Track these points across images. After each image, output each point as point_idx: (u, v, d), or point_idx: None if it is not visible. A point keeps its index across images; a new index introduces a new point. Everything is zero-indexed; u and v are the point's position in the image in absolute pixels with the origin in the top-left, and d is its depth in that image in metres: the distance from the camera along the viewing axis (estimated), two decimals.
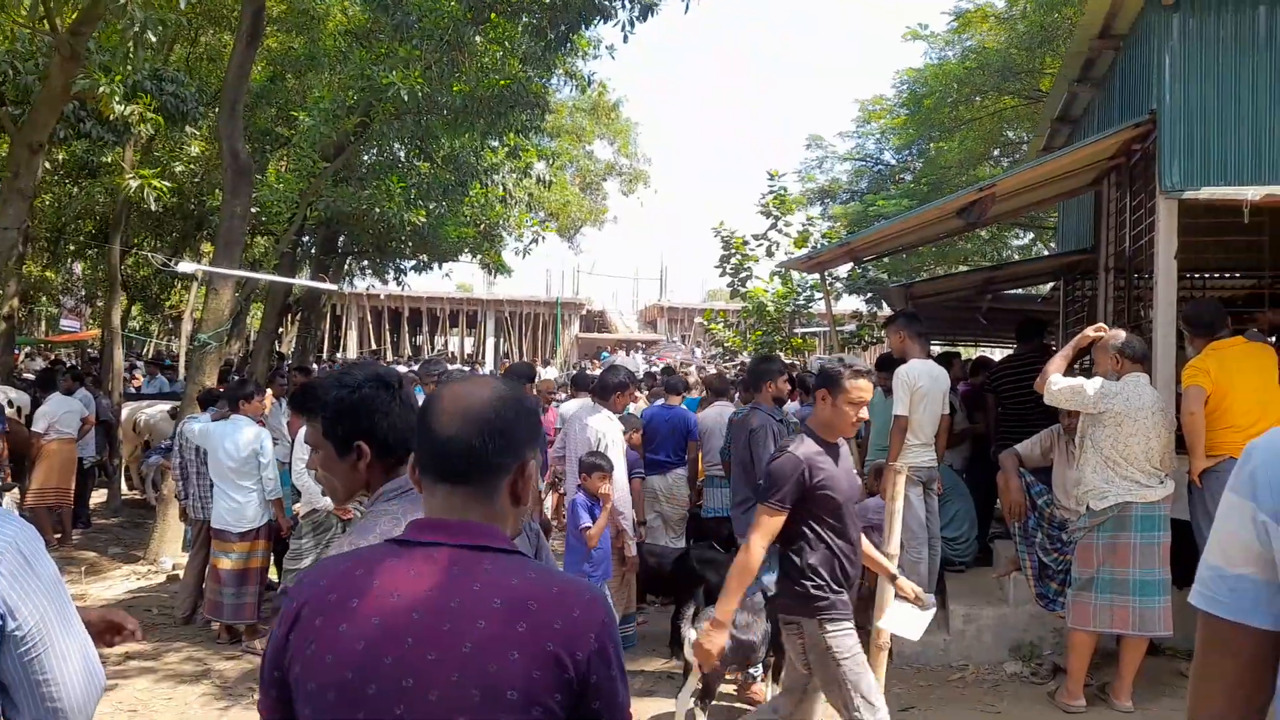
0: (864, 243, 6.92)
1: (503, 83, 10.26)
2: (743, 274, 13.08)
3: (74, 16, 7.34)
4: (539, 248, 29.71)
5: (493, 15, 10.28)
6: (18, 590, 1.36)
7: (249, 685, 5.09)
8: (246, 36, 9.33)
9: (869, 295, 14.84)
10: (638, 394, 9.02)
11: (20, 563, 1.38)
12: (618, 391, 5.56)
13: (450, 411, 1.27)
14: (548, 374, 19.36)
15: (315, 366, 15.15)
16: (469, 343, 38.48)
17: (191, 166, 13.67)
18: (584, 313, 38.16)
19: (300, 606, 1.23)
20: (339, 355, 29.29)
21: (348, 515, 5.70)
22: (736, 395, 7.54)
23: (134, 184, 8.22)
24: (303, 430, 5.98)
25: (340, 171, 11.56)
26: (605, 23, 10.90)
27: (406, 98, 9.43)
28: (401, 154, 12.99)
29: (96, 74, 7.55)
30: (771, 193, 12.45)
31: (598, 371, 9.60)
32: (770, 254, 12.71)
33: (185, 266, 8.76)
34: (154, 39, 7.77)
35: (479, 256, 17.43)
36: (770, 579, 4.72)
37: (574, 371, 15.96)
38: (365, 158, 12.95)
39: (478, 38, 10.28)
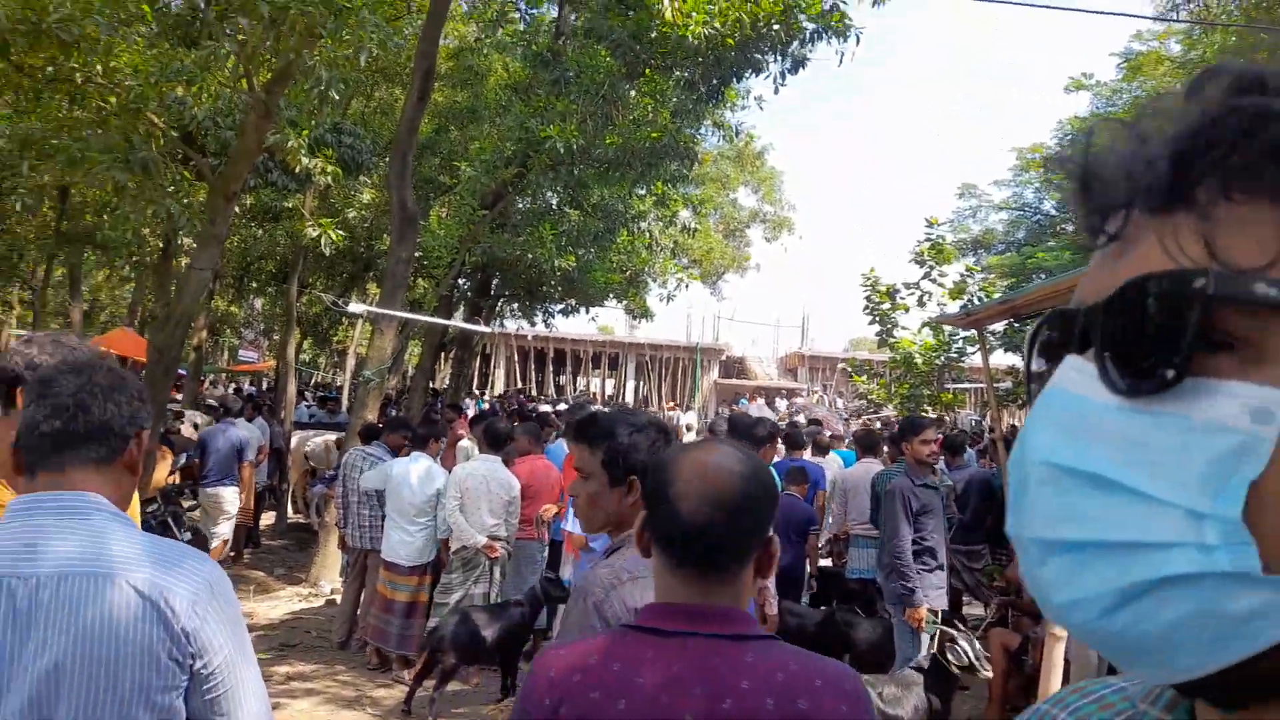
0: (1027, 301, 6.59)
1: (654, 135, 10.51)
2: (888, 324, 12.71)
3: (268, 77, 8.03)
4: (681, 293, 29.90)
5: (647, 70, 10.58)
6: (209, 631, 1.40)
7: (402, 711, 5.28)
8: (417, 94, 9.97)
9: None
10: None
11: (214, 604, 1.42)
12: (766, 444, 5.49)
13: (699, 496, 1.20)
14: (687, 419, 19.39)
15: (468, 403, 15.77)
16: (609, 384, 39.12)
17: (363, 213, 14.66)
18: (723, 358, 38.11)
19: (558, 704, 1.18)
20: (487, 393, 30.41)
21: (495, 554, 5.85)
22: (884, 451, 7.30)
23: (313, 232, 8.88)
24: (457, 469, 6.21)
25: (497, 218, 12.09)
26: (757, 76, 11.05)
27: (562, 150, 9.79)
28: (554, 202, 13.47)
29: (286, 129, 8.21)
30: (928, 240, 12.08)
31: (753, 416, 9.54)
32: (922, 304, 12.30)
33: (355, 308, 9.38)
34: (336, 96, 8.42)
35: (624, 302, 17.79)
36: (922, 656, 4.49)
37: (713, 418, 15.91)
38: (520, 205, 13.50)
39: (632, 92, 10.59)
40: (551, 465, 6.61)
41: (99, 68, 8.19)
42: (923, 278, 12.19)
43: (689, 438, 10.99)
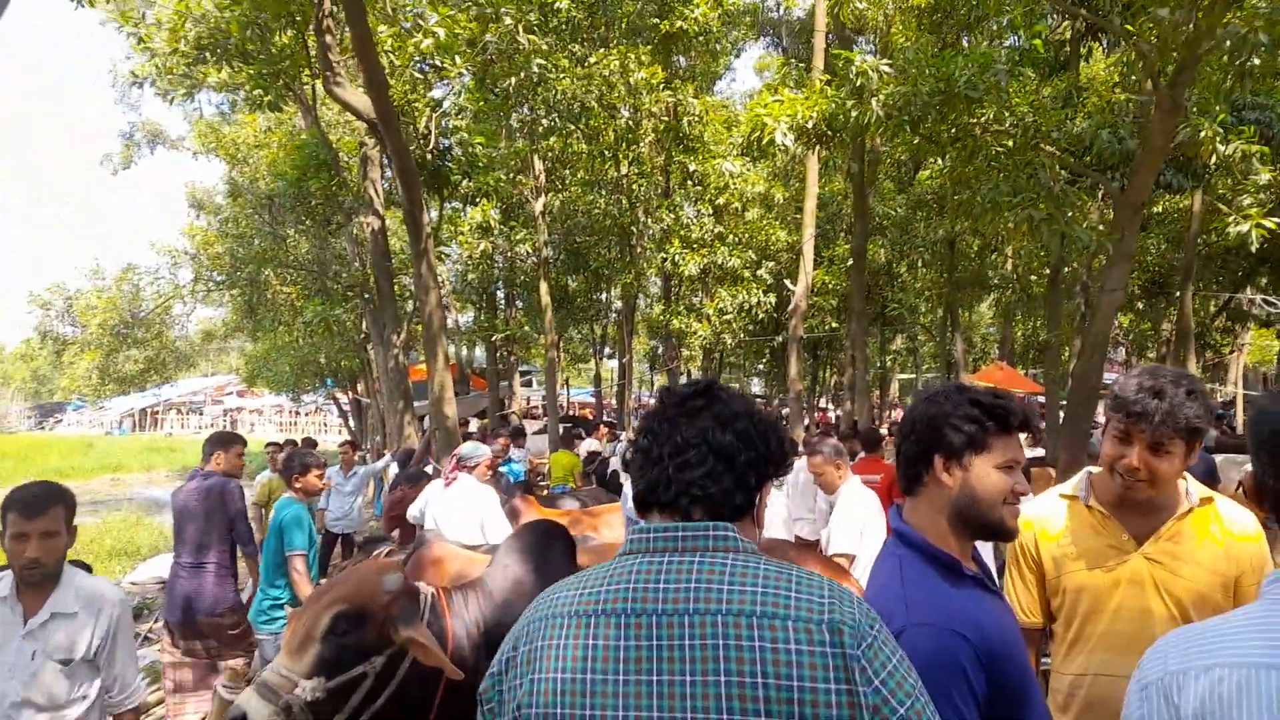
0: None
1: None
2: None
3: (1172, 64, 7.33)
4: None
5: None
6: None
7: None
8: None
9: None
10: None
11: None
12: None
13: None
14: None
15: None
16: None
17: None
18: None
19: None
20: None
21: None
22: None
23: (1240, 226, 7.72)
24: None
25: None
26: None
27: None
28: None
29: (1198, 119, 7.35)
30: None
31: None
32: None
33: None
34: (1257, 62, 7.20)
35: None
36: None
37: None
38: None
39: None
40: None
41: (992, 114, 8.67)
42: None
43: None
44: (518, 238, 14.55)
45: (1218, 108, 7.87)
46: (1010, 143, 8.80)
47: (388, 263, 11.76)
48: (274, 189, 12.58)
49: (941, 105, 8.06)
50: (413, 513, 6.17)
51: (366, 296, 12.71)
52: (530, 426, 21.72)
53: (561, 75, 11.11)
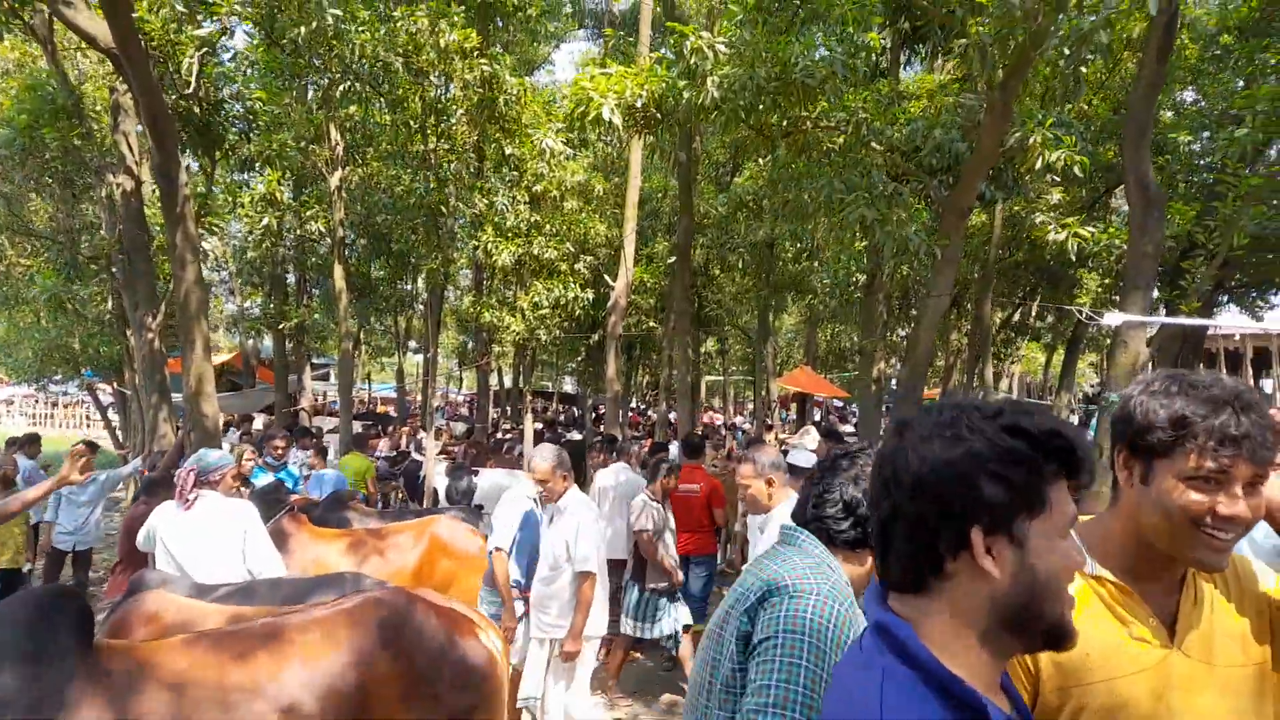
0: None
1: None
2: None
3: (1002, 70, 7.21)
4: None
5: None
6: None
7: None
8: (1156, 50, 8.25)
9: None
10: None
11: None
12: None
13: None
14: None
15: None
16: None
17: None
18: None
19: None
20: None
21: None
22: None
23: (1057, 235, 7.76)
24: None
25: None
26: None
27: None
28: None
29: (1029, 125, 7.28)
30: None
31: None
32: None
33: (1112, 318, 7.94)
34: (1085, 71, 7.18)
35: None
36: None
37: None
38: None
39: None
40: None
41: (824, 108, 8.33)
42: None
43: None
44: (308, 213, 12.95)
45: (1044, 115, 7.89)
46: (841, 139, 8.53)
47: (142, 232, 9.94)
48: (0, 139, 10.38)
49: (777, 93, 7.60)
50: (141, 539, 4.85)
51: (115, 270, 10.76)
52: (326, 425, 19.82)
53: (361, 29, 9.78)
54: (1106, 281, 14.85)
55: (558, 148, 10.28)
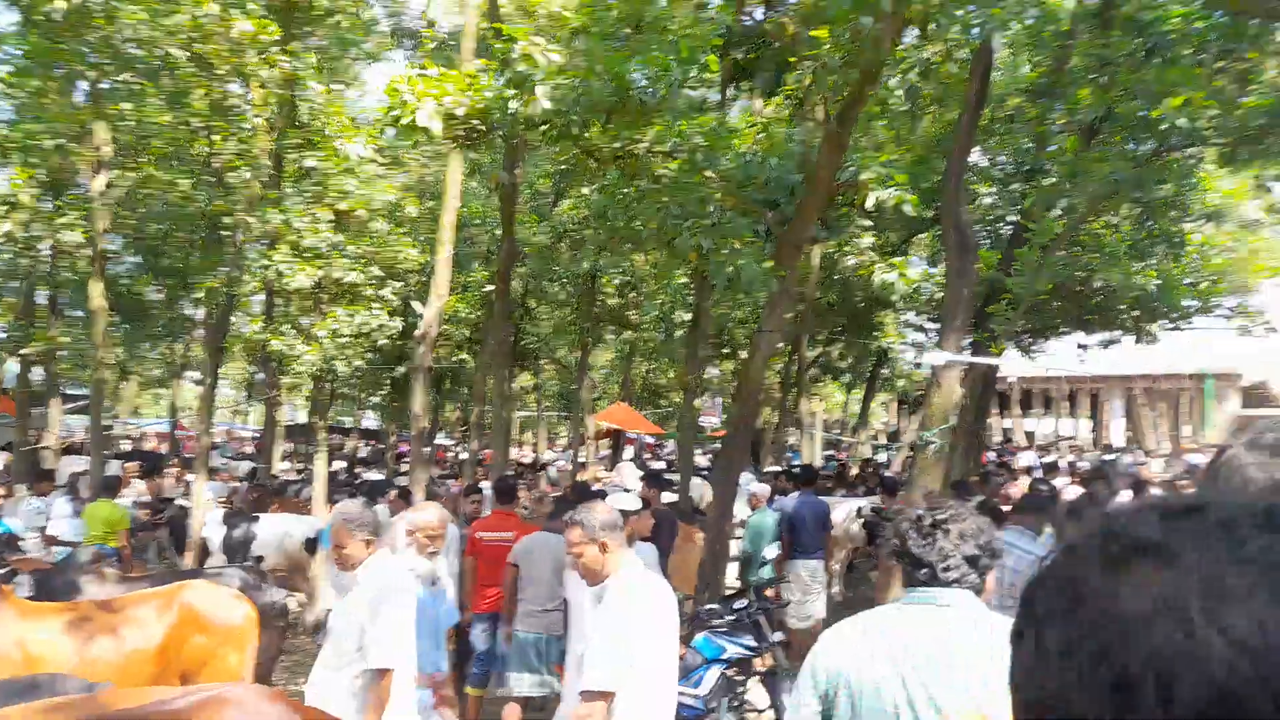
0: None
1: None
2: None
3: (840, 103, 7.14)
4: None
5: None
6: None
7: None
8: (974, 103, 8.54)
9: None
10: None
11: None
12: None
13: None
14: None
15: None
16: (1082, 426, 34.43)
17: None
18: (1241, 386, 31.20)
19: None
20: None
21: None
22: None
23: (886, 275, 7.75)
24: None
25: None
26: None
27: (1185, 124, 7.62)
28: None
29: (864, 159, 7.23)
30: None
31: None
32: None
33: (933, 356, 8.02)
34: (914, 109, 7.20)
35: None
36: None
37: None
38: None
39: None
40: None
41: (657, 133, 7.96)
42: None
43: None
44: (62, 221, 11.09)
45: (879, 153, 7.90)
46: (675, 164, 8.19)
47: None
48: None
49: (612, 109, 7.13)
50: None
51: None
52: (75, 465, 17.21)
53: (136, 8, 8.45)
54: (903, 320, 15.56)
55: (366, 154, 9.28)
